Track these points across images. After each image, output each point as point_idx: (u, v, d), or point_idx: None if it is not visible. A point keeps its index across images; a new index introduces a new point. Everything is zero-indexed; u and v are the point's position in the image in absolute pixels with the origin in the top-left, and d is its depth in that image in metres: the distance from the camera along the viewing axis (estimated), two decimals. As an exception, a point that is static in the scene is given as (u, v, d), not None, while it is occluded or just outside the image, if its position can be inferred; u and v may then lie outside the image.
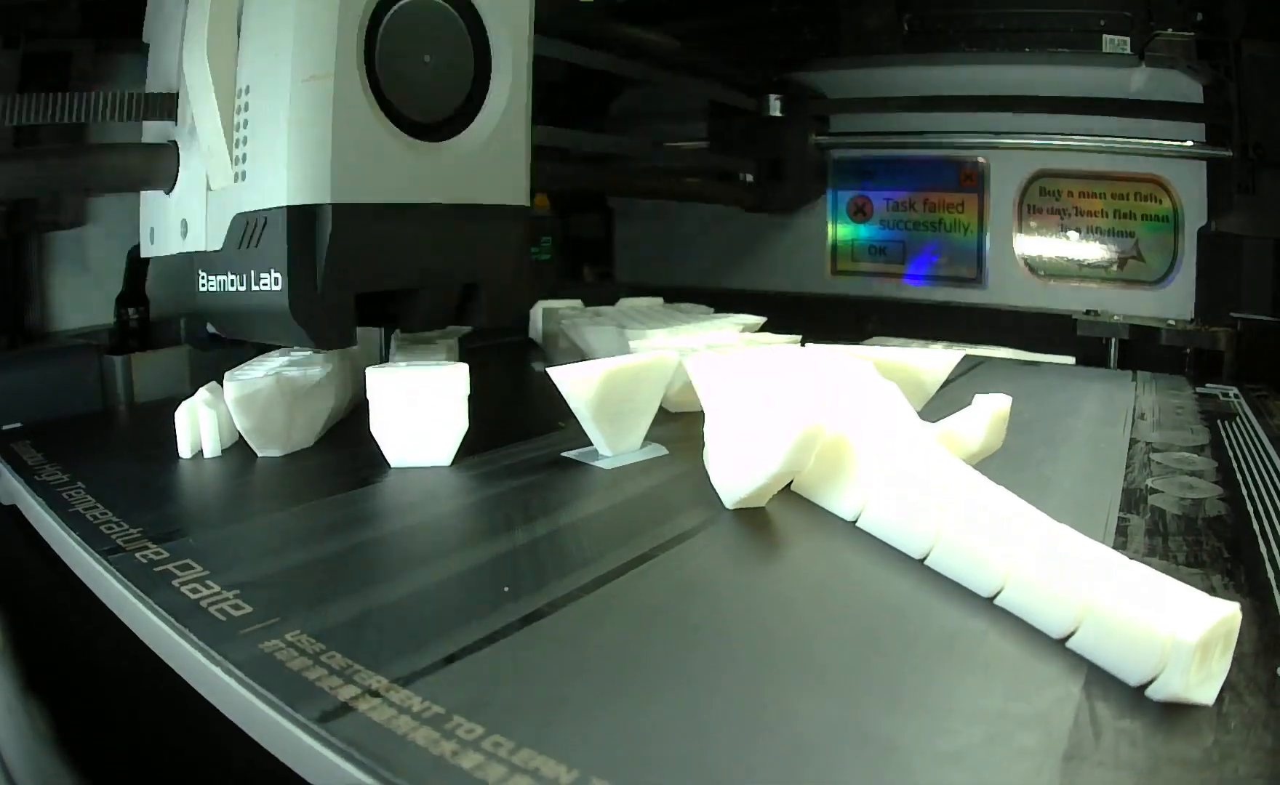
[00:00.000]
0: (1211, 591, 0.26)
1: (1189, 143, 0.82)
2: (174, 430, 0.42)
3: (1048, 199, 0.89)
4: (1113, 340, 0.85)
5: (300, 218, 0.36)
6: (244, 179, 0.37)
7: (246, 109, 0.37)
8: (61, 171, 0.43)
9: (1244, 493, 0.35)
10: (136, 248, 0.56)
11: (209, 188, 0.39)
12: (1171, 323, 0.83)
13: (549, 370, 0.37)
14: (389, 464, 0.39)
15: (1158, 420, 0.47)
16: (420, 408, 0.38)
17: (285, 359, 0.42)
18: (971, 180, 0.92)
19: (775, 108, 0.96)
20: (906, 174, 0.95)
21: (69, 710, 0.36)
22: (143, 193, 0.46)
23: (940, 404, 0.42)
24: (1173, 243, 0.85)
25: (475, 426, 0.40)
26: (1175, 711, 0.21)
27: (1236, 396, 0.54)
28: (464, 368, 0.38)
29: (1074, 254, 0.89)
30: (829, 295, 0.99)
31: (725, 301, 0.72)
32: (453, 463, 0.39)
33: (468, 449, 0.40)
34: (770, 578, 0.28)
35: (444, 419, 0.38)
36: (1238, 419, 0.48)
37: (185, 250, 0.41)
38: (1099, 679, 0.22)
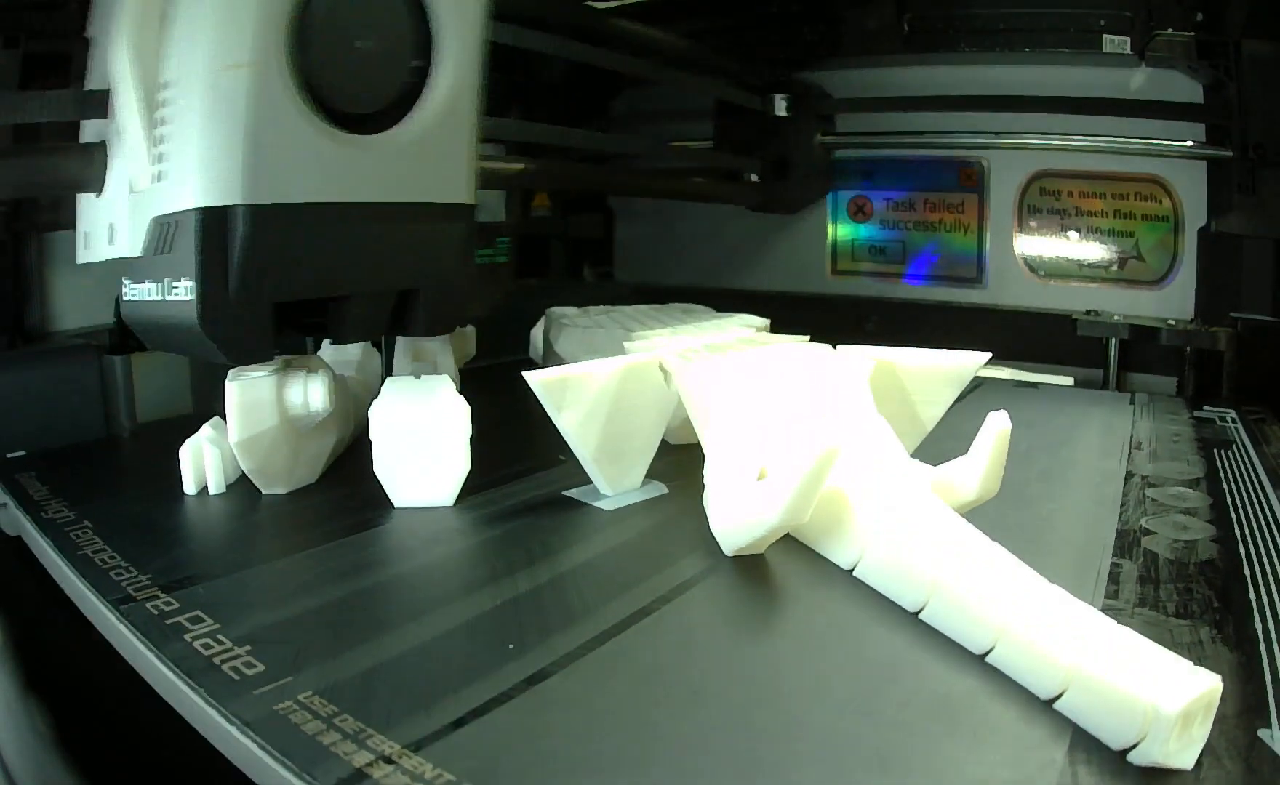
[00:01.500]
0: (1199, 645, 0.27)
1: (1189, 143, 0.82)
2: (177, 458, 0.42)
3: (1048, 199, 0.89)
4: (1113, 340, 0.85)
5: (212, 220, 0.33)
6: (161, 179, 0.35)
7: (166, 104, 0.34)
8: None
9: (1236, 532, 0.35)
10: None
11: (132, 190, 0.37)
12: (1171, 323, 0.83)
13: (524, 374, 0.37)
14: (392, 503, 0.40)
15: (1154, 450, 0.48)
16: (423, 450, 0.39)
17: (278, 363, 0.41)
18: (971, 180, 0.92)
19: (781, 107, 0.95)
20: (906, 174, 0.95)
21: (69, 710, 0.38)
22: (78, 196, 0.44)
23: (939, 433, 0.43)
24: (1173, 243, 0.85)
25: (477, 459, 0.40)
26: (1155, 776, 0.22)
27: (1234, 421, 0.54)
28: (466, 409, 0.39)
29: (1074, 254, 0.89)
30: (829, 295, 1.00)
31: (726, 301, 0.72)
32: (455, 502, 0.40)
33: (470, 484, 0.40)
34: (767, 634, 0.29)
35: (447, 460, 0.39)
36: (1234, 446, 0.49)
37: (113, 256, 0.39)
38: (1083, 742, 0.23)
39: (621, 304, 0.66)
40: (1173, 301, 0.85)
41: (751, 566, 0.33)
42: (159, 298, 0.36)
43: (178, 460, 0.43)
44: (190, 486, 0.42)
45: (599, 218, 1.11)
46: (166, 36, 0.34)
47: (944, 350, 0.41)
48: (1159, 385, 0.85)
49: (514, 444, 0.39)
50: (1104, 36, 0.82)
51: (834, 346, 0.43)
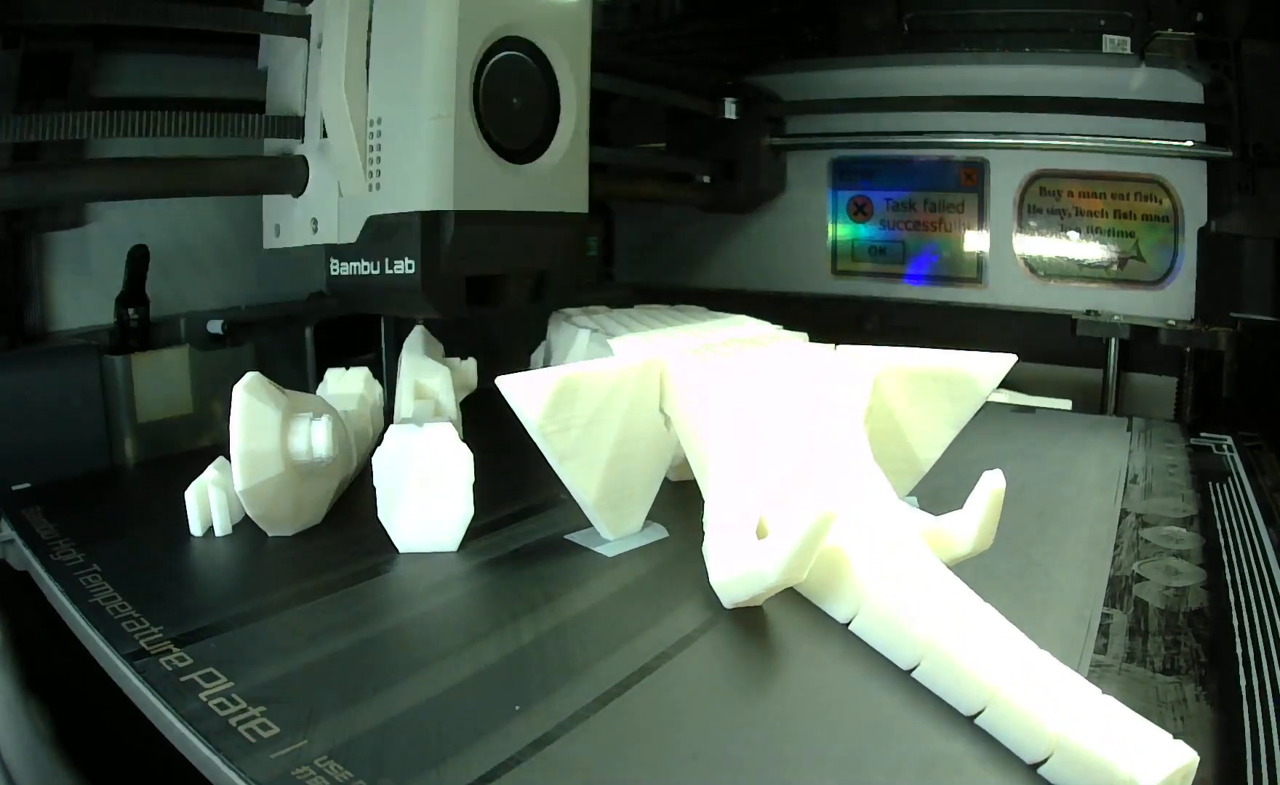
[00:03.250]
0: (1183, 703, 0.28)
1: (1189, 143, 0.82)
2: (181, 493, 0.43)
3: (1048, 199, 0.89)
4: (1113, 340, 0.86)
5: (429, 220, 0.47)
6: (378, 189, 0.49)
7: (379, 136, 0.49)
8: (195, 180, 0.53)
9: (1227, 577, 0.36)
10: (136, 248, 0.58)
11: (341, 194, 0.50)
12: (1171, 323, 0.83)
13: (497, 380, 0.38)
14: (397, 549, 0.41)
15: (1149, 485, 0.48)
16: (427, 497, 0.39)
17: (284, 406, 0.42)
18: (971, 180, 0.92)
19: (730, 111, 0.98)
20: (906, 174, 0.95)
21: (69, 710, 0.39)
22: (264, 200, 0.57)
23: (934, 471, 0.43)
24: (1173, 243, 0.85)
25: (478, 494, 0.41)
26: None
27: (1230, 449, 0.55)
28: (469, 457, 0.40)
29: (1074, 254, 0.89)
30: (829, 295, 1.00)
31: (726, 302, 0.72)
32: (459, 546, 0.41)
33: (473, 524, 0.41)
34: (765, 694, 0.30)
35: (450, 507, 0.40)
36: (1230, 478, 0.49)
37: (314, 242, 0.53)
38: (1068, 810, 0.24)
39: (622, 305, 0.66)
40: (1173, 301, 0.85)
41: (750, 618, 0.34)
42: (378, 272, 0.49)
43: (181, 494, 0.43)
44: (196, 528, 0.43)
45: (599, 218, 1.11)
46: (372, 87, 0.49)
47: (957, 353, 0.42)
48: (1159, 385, 0.85)
49: (514, 477, 0.39)
50: (1104, 36, 0.82)
51: (834, 345, 0.44)
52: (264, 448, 0.40)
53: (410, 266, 0.48)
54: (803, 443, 0.36)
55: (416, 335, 0.58)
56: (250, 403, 0.40)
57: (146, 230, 0.64)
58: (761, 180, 1.00)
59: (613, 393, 0.39)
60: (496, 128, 0.49)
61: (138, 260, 0.58)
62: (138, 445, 0.56)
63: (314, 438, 0.41)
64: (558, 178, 0.53)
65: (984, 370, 0.40)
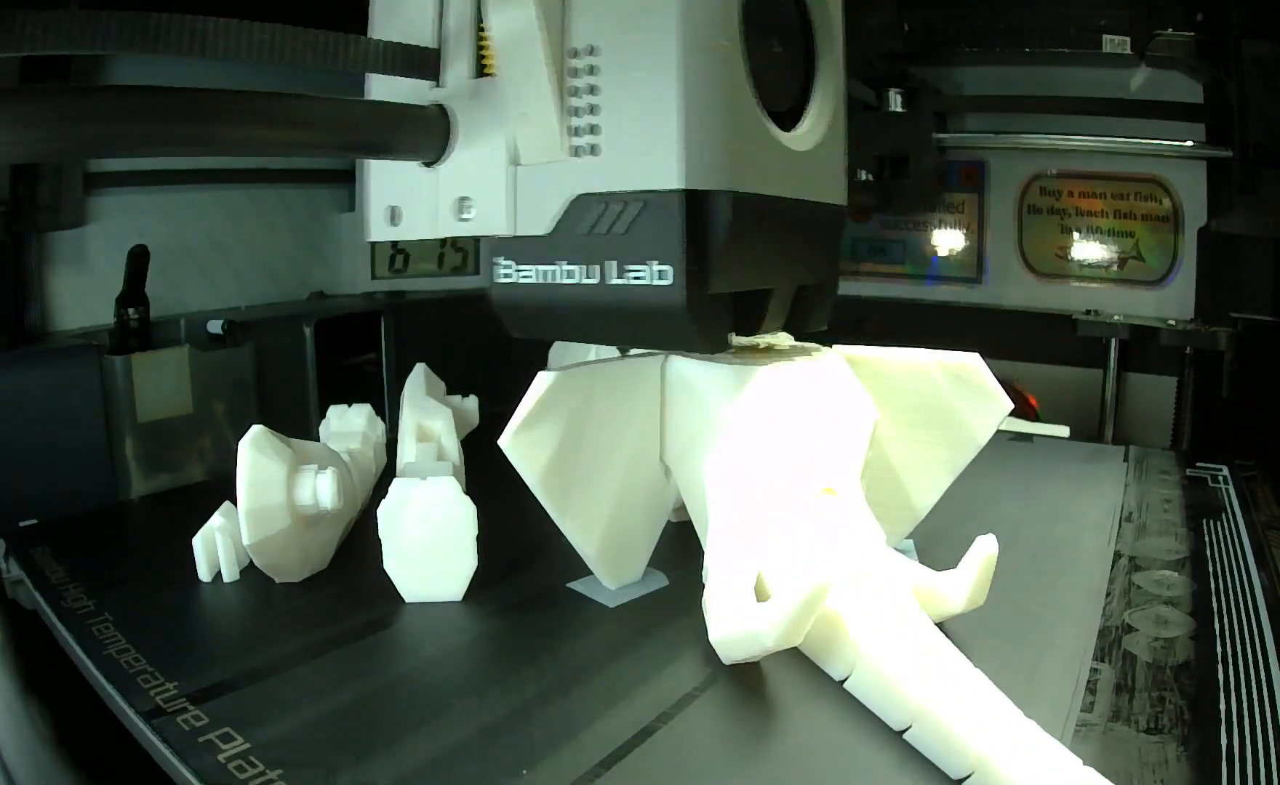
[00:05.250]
0: (1165, 765, 0.29)
1: (1189, 143, 0.82)
2: (184, 520, 0.44)
3: (1048, 199, 0.89)
4: (1113, 340, 0.86)
5: (694, 203, 0.32)
6: (592, 153, 0.33)
7: (592, 73, 0.33)
8: (322, 133, 0.34)
9: (1216, 626, 0.37)
10: (136, 247, 0.58)
11: (517, 161, 0.35)
12: (1171, 323, 0.84)
13: (501, 442, 0.36)
14: (403, 598, 0.42)
15: (1143, 523, 0.49)
16: (432, 549, 0.40)
17: (289, 461, 0.42)
18: (972, 180, 0.92)
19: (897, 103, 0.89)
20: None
21: (69, 710, 0.40)
22: (370, 171, 0.40)
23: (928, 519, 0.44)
24: (1173, 243, 0.85)
25: (481, 539, 0.41)
26: None
27: (1225, 481, 0.55)
28: (472, 510, 0.40)
29: (1074, 254, 0.89)
30: (830, 295, 1.00)
31: None
32: (464, 597, 0.42)
33: (478, 571, 0.42)
34: (760, 757, 0.31)
35: (455, 559, 0.40)
36: (1224, 514, 0.50)
37: (461, 233, 0.37)
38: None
39: None
40: (1173, 301, 0.85)
41: (748, 675, 0.34)
42: (594, 281, 0.34)
43: (186, 530, 0.44)
44: (204, 574, 0.44)
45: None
46: (577, 3, 0.33)
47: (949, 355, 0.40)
48: (1159, 385, 0.86)
49: (516, 511, 0.39)
50: (1104, 36, 0.81)
51: (830, 344, 0.43)
52: (270, 503, 0.40)
53: (665, 274, 0.32)
54: (801, 497, 0.36)
55: (418, 373, 0.58)
56: (256, 459, 0.40)
57: (146, 230, 0.64)
58: (927, 179, 0.91)
59: (614, 447, 0.39)
60: (759, 80, 0.34)
61: (138, 260, 0.58)
62: (138, 445, 0.56)
63: (320, 490, 0.41)
64: (824, 156, 0.38)
65: (980, 421, 0.41)
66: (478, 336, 0.75)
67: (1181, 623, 0.37)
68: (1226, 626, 0.37)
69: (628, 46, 0.32)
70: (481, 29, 0.36)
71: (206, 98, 0.30)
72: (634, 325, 0.35)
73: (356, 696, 0.35)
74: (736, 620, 0.33)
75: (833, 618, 0.33)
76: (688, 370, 0.39)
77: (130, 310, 0.58)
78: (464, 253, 0.85)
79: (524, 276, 0.36)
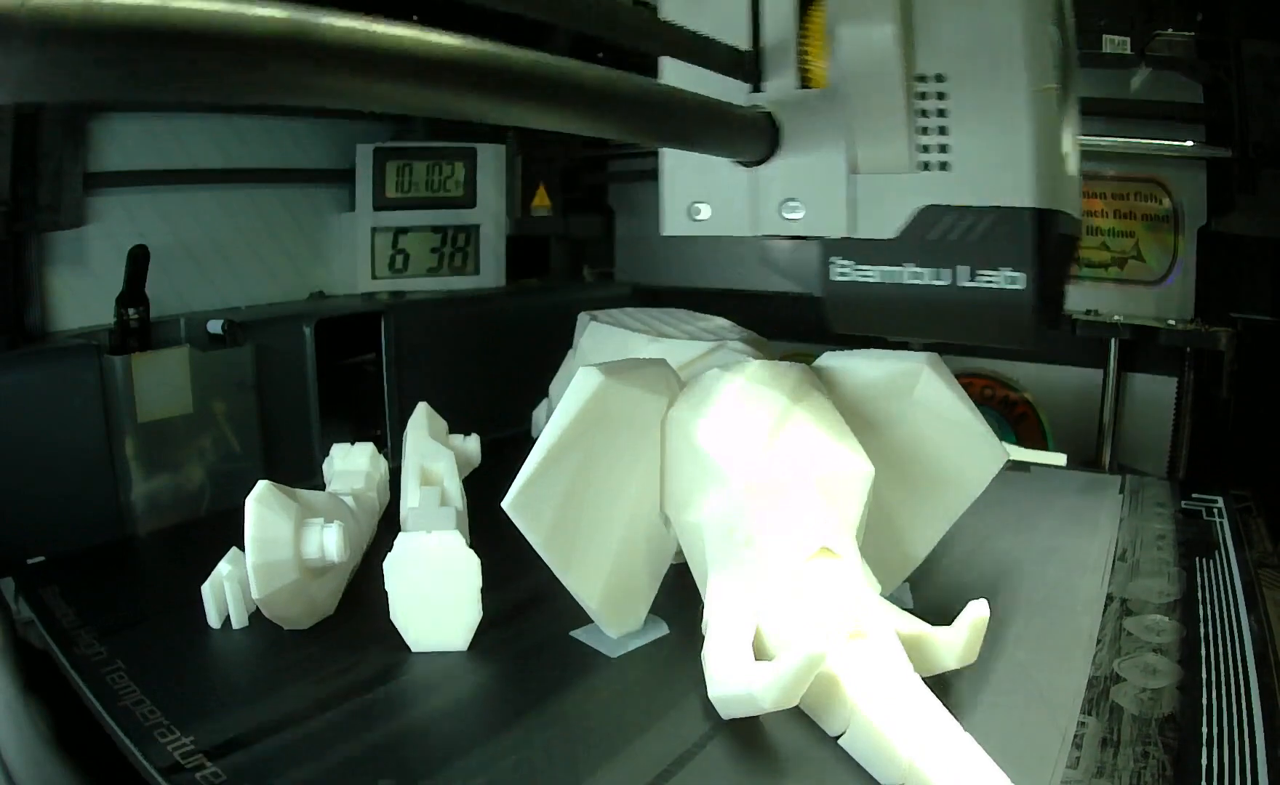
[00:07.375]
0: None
1: (1189, 143, 0.81)
2: (192, 560, 0.45)
3: (1047, 199, 0.89)
4: (1113, 340, 0.86)
5: (1040, 219, 0.37)
6: (943, 169, 0.38)
7: (940, 98, 0.38)
8: (661, 122, 0.33)
9: (1203, 675, 0.38)
10: (136, 247, 0.58)
11: (855, 170, 0.39)
12: (1171, 323, 0.84)
13: (504, 505, 0.38)
14: (409, 647, 0.43)
15: (1136, 561, 0.50)
16: (437, 601, 0.41)
17: (295, 514, 0.43)
18: (971, 180, 0.92)
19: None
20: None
21: (69, 710, 0.41)
22: (668, 170, 0.44)
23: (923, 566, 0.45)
24: (1173, 243, 0.85)
25: (486, 581, 0.42)
26: None
27: (1220, 514, 0.56)
28: (476, 563, 0.41)
29: (1074, 254, 0.89)
30: (830, 295, 1.00)
31: (726, 301, 0.73)
32: (469, 646, 0.43)
33: (482, 620, 0.43)
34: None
35: (460, 610, 0.42)
36: (1217, 551, 0.50)
37: (793, 233, 0.42)
38: None
39: (620, 305, 0.66)
40: (1173, 301, 0.85)
41: (747, 729, 0.35)
42: (944, 283, 0.39)
43: (193, 569, 0.45)
44: (214, 620, 0.45)
45: (599, 218, 1.11)
46: (922, 32, 0.37)
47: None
48: (1159, 385, 0.86)
49: (518, 554, 0.40)
50: (1104, 36, 0.81)
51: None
52: (278, 558, 0.41)
53: (1016, 279, 0.37)
54: (798, 555, 0.37)
55: (420, 413, 0.58)
56: (262, 515, 0.41)
57: (146, 230, 0.64)
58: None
59: (615, 501, 0.40)
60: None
61: (138, 260, 0.58)
62: (138, 445, 0.57)
63: (326, 544, 0.42)
64: (1075, 176, 0.43)
65: (977, 473, 0.41)
66: (478, 337, 0.76)
67: (1169, 671, 0.38)
68: (1213, 676, 0.38)
69: (978, 80, 0.37)
70: (803, 44, 0.40)
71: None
72: (977, 323, 0.39)
73: (368, 749, 0.36)
74: (734, 681, 0.34)
75: (830, 676, 0.34)
76: (687, 423, 0.40)
77: (130, 310, 0.58)
78: (464, 253, 0.86)
79: (864, 276, 0.40)
